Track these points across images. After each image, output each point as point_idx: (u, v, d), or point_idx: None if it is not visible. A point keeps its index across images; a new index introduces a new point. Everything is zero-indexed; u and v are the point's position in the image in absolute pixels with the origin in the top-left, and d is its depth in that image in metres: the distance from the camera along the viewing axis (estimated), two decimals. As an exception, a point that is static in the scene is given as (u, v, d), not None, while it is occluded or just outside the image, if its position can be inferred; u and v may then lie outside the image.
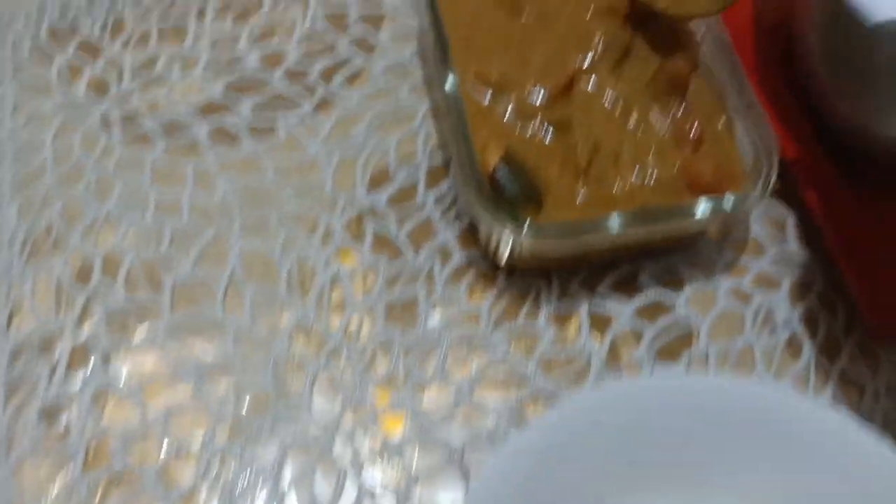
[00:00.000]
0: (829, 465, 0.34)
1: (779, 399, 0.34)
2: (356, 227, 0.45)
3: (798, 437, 0.34)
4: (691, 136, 0.40)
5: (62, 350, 0.41)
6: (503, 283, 0.43)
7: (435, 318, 0.42)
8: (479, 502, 0.34)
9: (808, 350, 0.43)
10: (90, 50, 0.50)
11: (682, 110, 0.41)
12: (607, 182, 0.39)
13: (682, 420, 0.34)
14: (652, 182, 0.39)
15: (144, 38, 0.50)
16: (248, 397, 0.40)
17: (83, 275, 0.43)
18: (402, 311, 0.43)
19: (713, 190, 0.39)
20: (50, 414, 0.39)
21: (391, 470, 0.39)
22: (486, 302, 0.43)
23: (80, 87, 0.49)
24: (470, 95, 0.41)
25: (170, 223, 0.44)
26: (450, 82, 0.41)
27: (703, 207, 0.39)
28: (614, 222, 0.38)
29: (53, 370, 0.40)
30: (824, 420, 0.34)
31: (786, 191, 0.47)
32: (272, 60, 0.50)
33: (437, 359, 0.41)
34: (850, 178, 0.45)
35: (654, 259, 0.44)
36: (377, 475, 0.38)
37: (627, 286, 0.44)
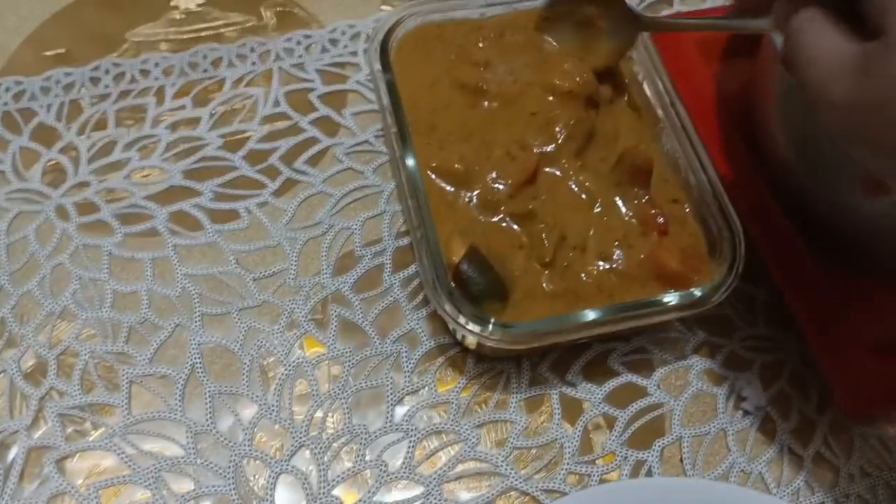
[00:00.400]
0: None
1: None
2: (321, 315, 0.44)
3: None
4: (658, 221, 0.40)
5: (17, 454, 0.39)
6: (472, 368, 0.43)
7: (402, 410, 0.41)
8: None
9: (781, 432, 0.42)
10: (46, 135, 0.49)
11: (646, 196, 0.41)
12: (574, 272, 0.39)
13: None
14: (620, 270, 0.39)
15: (102, 122, 0.49)
16: (209, 500, 0.38)
17: (37, 374, 0.41)
18: (369, 403, 0.42)
19: (681, 277, 0.39)
20: (0, 526, 0.38)
21: (359, 576, 0.37)
22: (456, 390, 0.42)
23: (36, 174, 0.47)
24: (433, 184, 0.41)
25: (127, 317, 0.43)
26: (411, 169, 0.40)
27: (672, 299, 0.38)
28: (583, 319, 0.37)
29: (6, 476, 0.38)
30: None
31: (755, 268, 0.46)
32: (234, 142, 0.49)
33: (404, 454, 0.40)
34: (819, 257, 0.45)
35: (624, 340, 0.44)
36: (344, 582, 0.37)
37: (598, 369, 0.43)
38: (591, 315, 0.37)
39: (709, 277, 0.39)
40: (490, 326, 0.36)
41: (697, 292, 0.38)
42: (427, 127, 0.43)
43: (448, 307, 0.37)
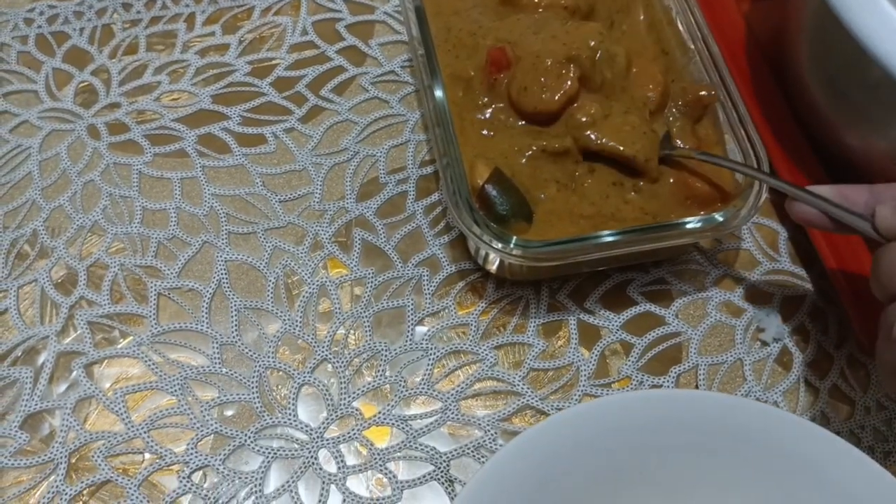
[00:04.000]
0: (812, 480, 0.33)
1: (764, 415, 0.34)
2: (345, 238, 0.45)
3: (781, 451, 0.33)
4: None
5: (46, 358, 0.40)
6: (492, 293, 0.43)
7: (423, 330, 0.42)
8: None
9: (798, 364, 0.42)
10: (79, 58, 0.50)
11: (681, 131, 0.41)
12: (600, 196, 0.39)
13: (667, 433, 0.34)
14: (649, 194, 0.39)
15: (133, 47, 0.50)
16: (233, 408, 0.39)
17: (68, 284, 0.42)
18: (390, 323, 0.42)
19: (706, 203, 0.39)
20: (33, 422, 0.39)
21: (376, 480, 0.38)
22: (475, 313, 0.43)
23: (69, 95, 0.48)
24: (463, 108, 0.41)
25: (156, 233, 0.44)
26: (439, 97, 0.41)
27: (694, 222, 0.38)
28: (605, 240, 0.38)
29: (36, 378, 0.40)
30: (808, 436, 0.34)
31: (778, 204, 0.46)
32: (261, 69, 0.50)
33: (423, 371, 0.41)
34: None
35: (644, 271, 0.44)
36: (363, 486, 0.38)
37: (617, 298, 0.43)
38: (611, 236, 0.37)
39: (733, 205, 0.39)
40: (512, 243, 0.37)
41: (719, 217, 0.38)
42: (457, 47, 0.43)
43: (472, 225, 0.37)
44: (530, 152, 0.40)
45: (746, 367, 0.42)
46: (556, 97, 0.40)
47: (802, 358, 0.42)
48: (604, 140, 0.39)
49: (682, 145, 0.41)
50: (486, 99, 0.42)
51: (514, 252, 0.37)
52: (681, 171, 0.40)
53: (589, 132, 0.39)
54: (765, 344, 0.43)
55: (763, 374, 0.42)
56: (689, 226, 0.38)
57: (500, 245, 0.37)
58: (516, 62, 0.41)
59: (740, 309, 0.44)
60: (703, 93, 0.41)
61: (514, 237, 0.37)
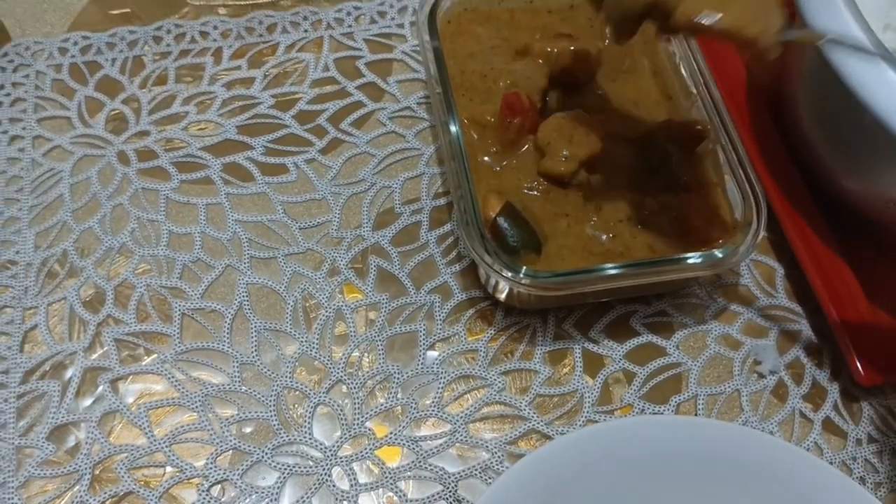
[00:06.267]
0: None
1: (762, 443, 0.36)
2: (361, 265, 0.47)
3: (778, 478, 0.35)
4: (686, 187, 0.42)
5: (73, 373, 0.42)
6: (501, 321, 0.45)
7: (434, 355, 0.44)
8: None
9: (793, 396, 0.44)
10: (110, 87, 0.52)
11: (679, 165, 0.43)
12: (606, 229, 0.41)
13: (668, 458, 0.36)
14: (649, 229, 0.41)
15: (162, 78, 0.53)
16: (251, 425, 0.41)
17: (96, 302, 0.44)
18: (403, 347, 0.44)
19: (705, 240, 0.41)
20: (59, 434, 0.40)
21: (387, 498, 0.40)
22: (484, 340, 0.44)
23: (100, 122, 0.51)
24: (475, 149, 0.44)
25: (181, 256, 0.46)
26: (454, 132, 0.43)
27: (695, 258, 0.40)
28: (610, 272, 0.40)
29: (64, 392, 0.41)
30: (805, 465, 0.35)
31: (776, 243, 0.49)
32: (285, 102, 0.52)
33: (434, 394, 0.43)
34: (839, 233, 0.47)
35: (646, 303, 0.46)
36: (373, 502, 0.40)
37: (620, 329, 0.45)
38: (616, 268, 0.39)
39: (732, 243, 0.41)
40: (522, 273, 0.39)
41: (719, 253, 0.40)
42: (471, 91, 0.45)
43: (483, 255, 0.39)
44: (541, 186, 0.42)
45: (744, 398, 0.44)
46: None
47: (797, 390, 0.44)
48: None
49: (680, 175, 0.44)
50: (496, 149, 0.44)
51: (524, 281, 0.39)
52: (683, 209, 0.42)
53: None
54: (761, 376, 0.45)
55: (759, 405, 0.44)
56: (690, 261, 0.40)
57: (510, 274, 0.39)
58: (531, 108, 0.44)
59: (738, 342, 0.45)
60: (698, 126, 0.43)
61: (525, 267, 0.39)
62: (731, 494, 0.36)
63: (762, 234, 0.41)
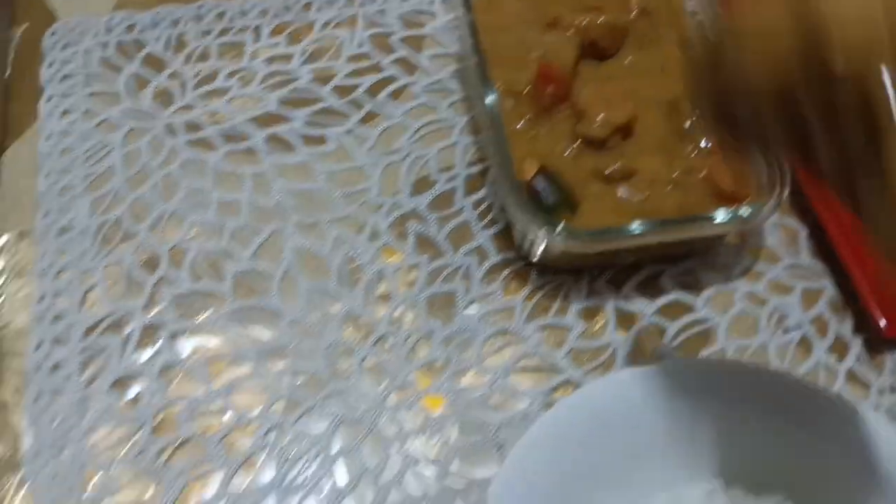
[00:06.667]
0: (841, 446, 0.37)
1: (793, 384, 0.38)
2: (400, 229, 0.49)
3: (805, 416, 0.37)
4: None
5: (133, 328, 0.44)
6: (536, 280, 0.47)
7: (472, 312, 0.46)
8: (513, 473, 0.37)
9: (818, 349, 0.46)
10: (155, 63, 0.54)
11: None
12: (639, 191, 0.43)
13: (698, 399, 0.38)
14: (682, 189, 0.44)
15: (205, 54, 0.55)
16: (302, 376, 0.43)
17: (151, 264, 0.47)
18: (442, 305, 0.46)
19: (732, 200, 0.43)
20: (121, 385, 0.43)
21: (432, 444, 0.42)
22: (520, 298, 0.47)
23: (147, 96, 0.53)
24: (509, 117, 0.46)
25: (230, 221, 0.48)
26: (490, 97, 0.45)
27: (722, 215, 0.42)
28: (642, 229, 0.42)
29: (124, 346, 0.44)
30: (834, 405, 0.38)
31: (799, 205, 0.50)
32: (322, 77, 0.54)
33: (474, 348, 0.45)
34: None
35: (675, 263, 0.48)
36: (419, 448, 0.42)
37: (651, 287, 0.47)
38: (647, 225, 0.42)
39: (757, 202, 0.43)
40: (558, 229, 0.41)
41: (745, 212, 0.42)
42: (504, 62, 0.48)
43: (520, 212, 0.41)
44: (575, 151, 0.44)
45: (770, 351, 0.46)
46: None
47: (822, 343, 0.46)
48: None
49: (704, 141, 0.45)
50: (529, 117, 0.46)
51: (561, 238, 0.41)
52: (711, 170, 0.44)
53: None
54: (786, 331, 0.46)
55: (785, 358, 0.46)
56: (717, 219, 0.42)
57: (547, 232, 0.41)
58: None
59: (764, 299, 0.47)
60: None
61: (562, 223, 0.41)
62: (764, 434, 0.38)
63: (786, 192, 0.43)
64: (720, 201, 0.43)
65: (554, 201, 0.43)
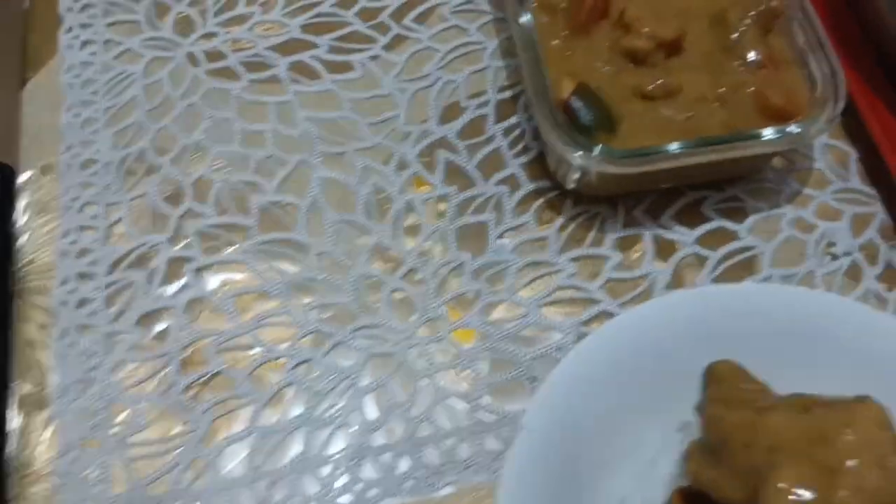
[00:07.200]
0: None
1: (842, 306, 0.36)
2: (428, 158, 0.47)
3: (856, 342, 0.36)
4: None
5: (158, 263, 0.44)
6: (570, 209, 0.45)
7: (504, 243, 0.44)
8: (546, 405, 0.36)
9: (867, 277, 0.44)
10: (175, -10, 0.52)
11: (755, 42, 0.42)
12: (682, 109, 0.41)
13: (742, 323, 0.36)
14: (729, 106, 0.41)
15: (226, -20, 0.53)
16: (330, 310, 0.42)
17: (175, 198, 0.46)
18: (473, 236, 0.45)
19: (782, 117, 0.41)
20: (147, 320, 0.42)
21: (463, 378, 0.41)
22: (554, 228, 0.45)
23: (167, 25, 0.51)
24: (544, 34, 0.43)
25: (255, 152, 0.47)
26: (525, 16, 0.43)
27: (770, 132, 0.40)
28: (686, 148, 0.39)
29: (150, 280, 0.43)
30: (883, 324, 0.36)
31: (849, 128, 0.48)
32: (346, 1, 0.52)
33: (505, 280, 0.43)
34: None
35: (717, 189, 0.46)
36: (450, 382, 0.41)
37: (691, 215, 0.45)
38: (691, 144, 0.39)
39: (809, 117, 0.41)
40: (596, 151, 0.39)
41: (795, 129, 0.40)
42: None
43: (555, 133, 0.39)
44: (616, 66, 0.42)
45: (817, 279, 0.44)
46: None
47: (871, 271, 0.44)
48: None
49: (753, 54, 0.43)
50: (566, 33, 0.44)
51: (598, 159, 0.39)
52: (759, 86, 0.42)
53: None
54: (835, 257, 0.44)
55: (833, 286, 0.44)
56: (765, 136, 0.40)
57: (584, 153, 0.39)
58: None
59: (811, 225, 0.45)
60: (773, 2, 0.42)
61: (600, 144, 0.39)
62: (816, 357, 0.36)
63: (840, 107, 0.40)
64: (769, 119, 0.41)
65: (592, 121, 0.41)
